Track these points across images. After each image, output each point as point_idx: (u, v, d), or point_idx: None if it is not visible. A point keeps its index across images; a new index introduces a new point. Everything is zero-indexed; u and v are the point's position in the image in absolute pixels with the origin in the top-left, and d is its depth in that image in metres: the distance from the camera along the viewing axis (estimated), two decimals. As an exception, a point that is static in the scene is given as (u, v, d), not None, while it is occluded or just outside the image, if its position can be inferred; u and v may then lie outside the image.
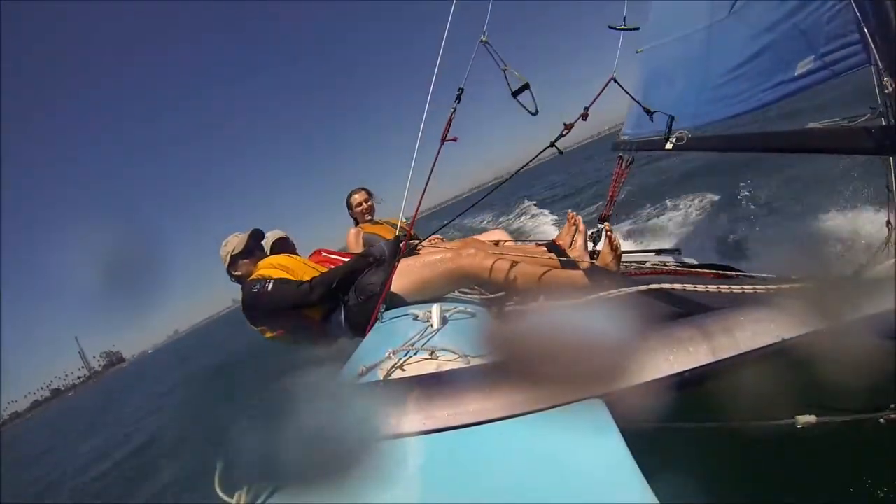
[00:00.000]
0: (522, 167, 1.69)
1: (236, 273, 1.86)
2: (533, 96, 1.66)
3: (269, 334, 1.74)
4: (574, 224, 1.96)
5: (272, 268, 1.76)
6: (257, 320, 1.72)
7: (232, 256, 1.84)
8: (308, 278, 1.67)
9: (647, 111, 1.96)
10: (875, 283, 0.70)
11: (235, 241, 1.87)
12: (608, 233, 1.65)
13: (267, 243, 2.12)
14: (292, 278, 1.69)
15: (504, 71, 1.66)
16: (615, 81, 1.90)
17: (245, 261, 1.86)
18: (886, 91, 1.32)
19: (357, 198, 2.71)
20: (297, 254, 2.14)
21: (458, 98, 1.62)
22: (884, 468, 1.08)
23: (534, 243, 2.76)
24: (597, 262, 1.64)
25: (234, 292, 1.85)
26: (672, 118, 2.00)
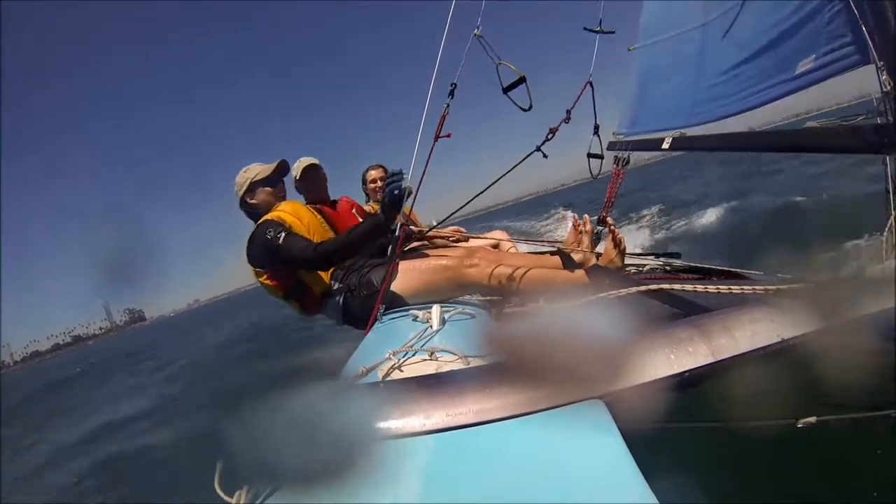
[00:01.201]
0: (508, 171, 1.69)
1: (252, 201, 1.74)
2: (528, 90, 1.65)
3: (263, 278, 1.67)
4: (580, 230, 1.95)
5: (293, 217, 1.67)
6: (259, 263, 1.65)
7: (252, 182, 1.73)
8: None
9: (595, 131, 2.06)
10: (875, 283, 0.70)
11: (258, 169, 1.75)
12: (611, 227, 1.63)
13: (297, 171, 2.03)
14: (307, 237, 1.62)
15: (497, 65, 1.66)
16: (591, 86, 1.92)
17: (266, 188, 1.74)
18: (885, 90, 1.32)
19: (373, 174, 2.62)
20: (326, 187, 2.07)
21: (451, 94, 1.62)
22: (884, 468, 1.08)
23: (539, 243, 2.76)
24: (599, 262, 1.62)
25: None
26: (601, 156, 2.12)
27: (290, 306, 1.75)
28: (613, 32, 2.10)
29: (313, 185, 2.04)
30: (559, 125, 1.70)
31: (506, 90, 1.66)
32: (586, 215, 1.95)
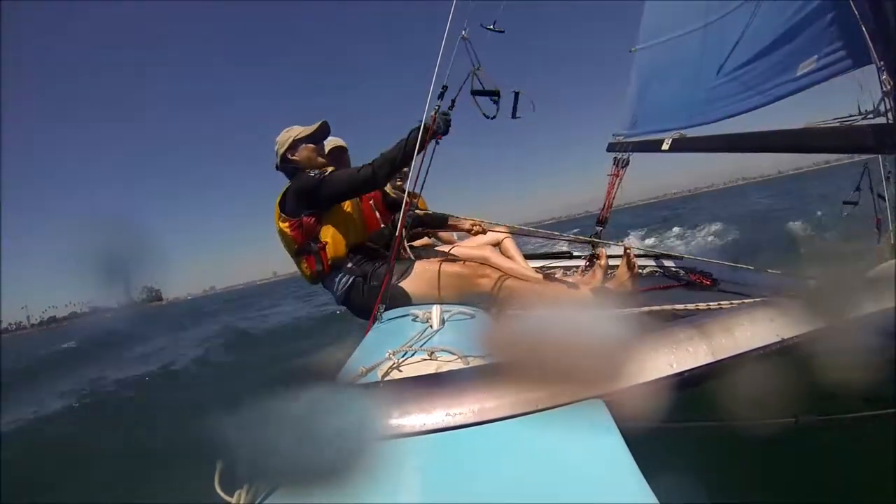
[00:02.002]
0: (425, 177, 1.67)
1: (293, 157, 1.73)
2: (498, 105, 1.68)
3: (285, 225, 1.66)
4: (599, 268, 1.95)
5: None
6: (290, 209, 1.65)
7: (295, 140, 1.72)
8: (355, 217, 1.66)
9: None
10: (875, 283, 0.69)
11: (300, 129, 1.76)
12: (627, 251, 1.67)
13: (324, 148, 2.05)
14: None
15: (475, 69, 1.66)
16: (475, 76, 1.86)
17: (309, 145, 1.74)
18: (885, 90, 1.32)
19: None
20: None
21: (441, 96, 1.62)
22: (884, 468, 1.08)
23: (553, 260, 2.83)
24: (611, 285, 1.65)
25: (277, 264, 1.73)
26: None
27: (299, 266, 1.76)
28: (503, 32, 2.09)
29: (336, 165, 2.09)
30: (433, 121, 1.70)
31: (474, 93, 1.68)
32: (602, 249, 1.95)
